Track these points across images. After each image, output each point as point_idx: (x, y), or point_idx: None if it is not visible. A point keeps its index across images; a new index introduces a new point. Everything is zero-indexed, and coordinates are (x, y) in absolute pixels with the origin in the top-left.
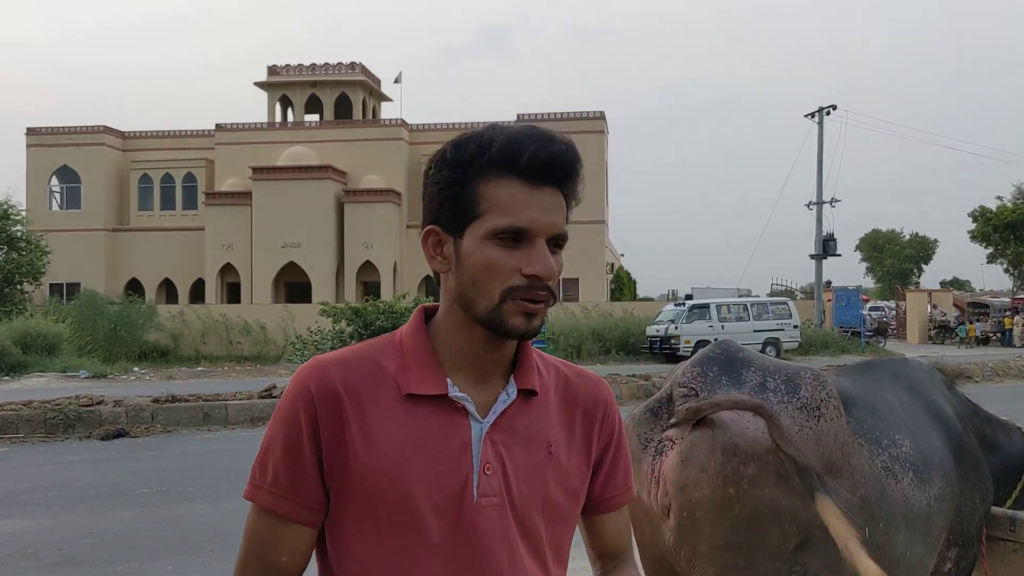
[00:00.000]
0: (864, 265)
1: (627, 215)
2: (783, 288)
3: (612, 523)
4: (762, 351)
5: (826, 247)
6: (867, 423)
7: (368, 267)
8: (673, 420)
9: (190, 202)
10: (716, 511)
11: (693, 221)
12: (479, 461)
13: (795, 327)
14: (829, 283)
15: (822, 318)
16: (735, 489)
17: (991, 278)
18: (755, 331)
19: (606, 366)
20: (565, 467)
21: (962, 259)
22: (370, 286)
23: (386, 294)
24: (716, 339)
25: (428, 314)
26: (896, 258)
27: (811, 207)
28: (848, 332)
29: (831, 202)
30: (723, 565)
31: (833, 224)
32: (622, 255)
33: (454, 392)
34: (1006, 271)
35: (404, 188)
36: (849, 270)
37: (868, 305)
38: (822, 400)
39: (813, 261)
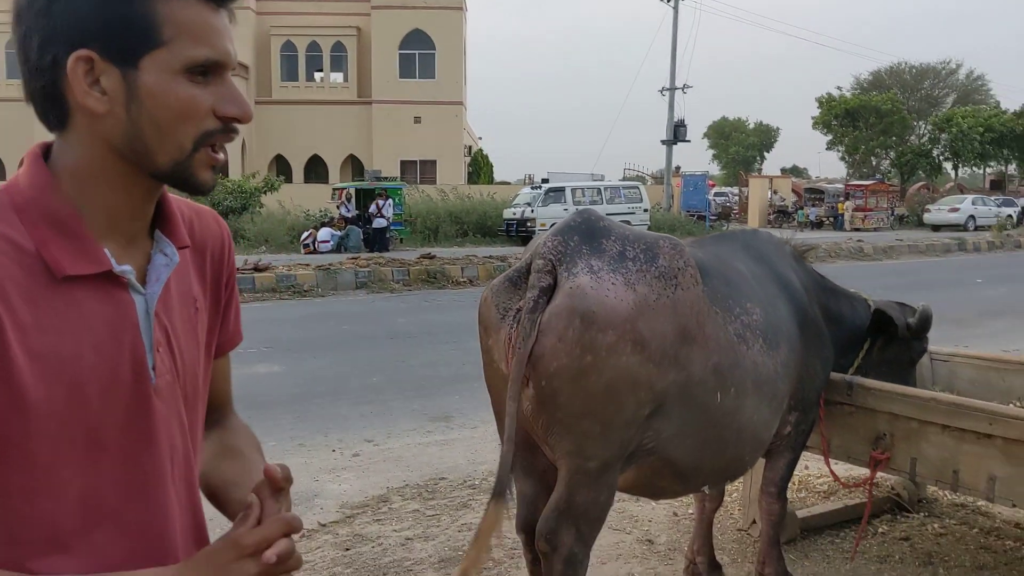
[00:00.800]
0: (711, 152)
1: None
2: (635, 173)
3: (223, 368)
4: None
5: (677, 133)
6: (720, 292)
7: None
8: (532, 290)
9: None
10: (573, 380)
11: (550, 94)
12: (150, 339)
13: (645, 211)
14: (678, 169)
15: (671, 203)
16: (592, 357)
17: (827, 166)
18: (607, 214)
19: (463, 248)
20: (206, 323)
21: (802, 147)
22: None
23: (234, 173)
24: None
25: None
26: (741, 145)
27: (664, 93)
28: (694, 216)
29: (683, 88)
30: (579, 433)
31: (684, 110)
32: (480, 138)
33: (118, 267)
34: (841, 158)
35: (251, 61)
36: (697, 156)
37: (713, 191)
38: (679, 269)
39: (664, 147)
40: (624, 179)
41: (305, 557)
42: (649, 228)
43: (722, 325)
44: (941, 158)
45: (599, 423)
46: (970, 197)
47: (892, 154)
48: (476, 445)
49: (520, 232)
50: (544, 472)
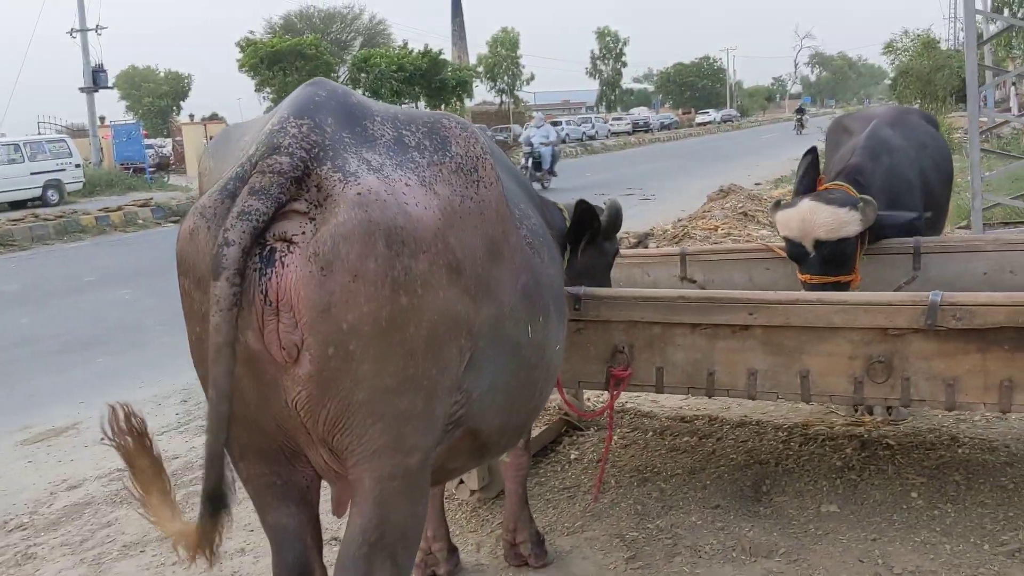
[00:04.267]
0: (124, 103)
1: None
2: (55, 127)
3: None
4: (43, 196)
5: (96, 79)
6: (507, 188)
7: None
8: (293, 205)
9: None
10: (383, 336)
11: None
12: None
13: (77, 166)
14: (103, 119)
15: (101, 156)
16: (407, 297)
17: (249, 110)
18: (32, 173)
19: None
20: None
21: (218, 93)
22: None
23: None
24: None
25: None
26: (153, 95)
27: (75, 35)
28: (131, 169)
29: (96, 29)
30: (395, 415)
31: (101, 55)
32: None
33: None
34: (273, 101)
35: None
36: (110, 107)
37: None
38: (477, 158)
39: (80, 98)
40: (41, 135)
41: None
42: (85, 185)
43: (518, 232)
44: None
45: (422, 394)
46: None
47: None
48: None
49: None
50: (306, 491)
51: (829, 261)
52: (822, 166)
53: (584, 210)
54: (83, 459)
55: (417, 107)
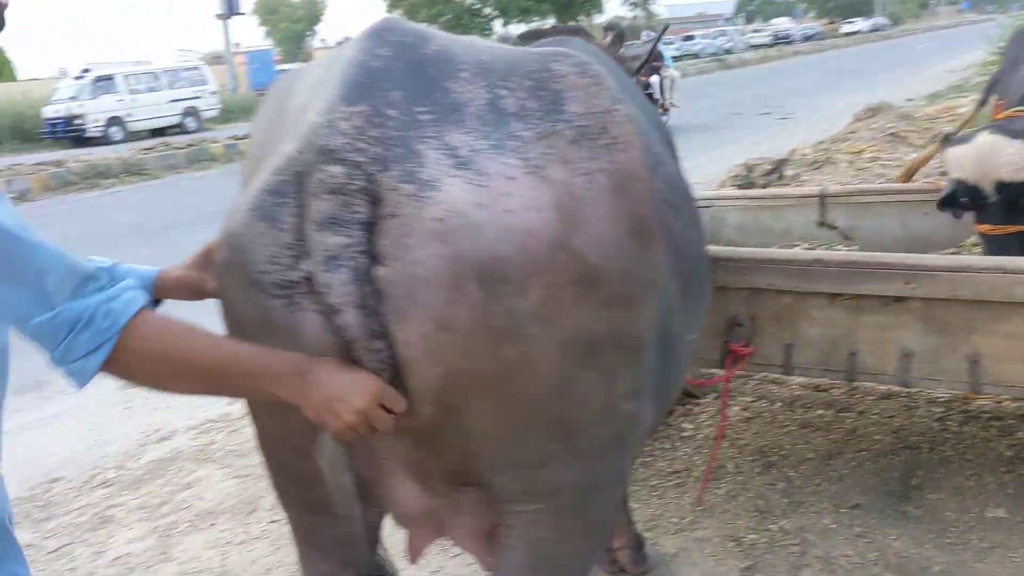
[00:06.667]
0: (263, 29)
1: None
2: (194, 56)
3: None
4: (181, 124)
5: (231, 5)
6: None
7: None
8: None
9: None
10: (486, 395)
11: None
12: None
13: (213, 93)
14: (238, 45)
15: (236, 83)
16: (514, 346)
17: None
18: (171, 101)
19: (3, 158)
20: None
21: (352, 16)
22: None
23: None
24: (129, 115)
25: None
26: (289, 20)
27: None
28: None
29: None
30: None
31: None
32: None
33: None
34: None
35: None
36: (249, 34)
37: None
38: (606, 112)
39: (216, 28)
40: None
41: None
42: (221, 112)
43: (658, 195)
44: (491, 17)
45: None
46: None
47: (445, 17)
48: (92, 417)
49: (69, 132)
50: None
51: (1015, 208)
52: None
53: None
54: (178, 406)
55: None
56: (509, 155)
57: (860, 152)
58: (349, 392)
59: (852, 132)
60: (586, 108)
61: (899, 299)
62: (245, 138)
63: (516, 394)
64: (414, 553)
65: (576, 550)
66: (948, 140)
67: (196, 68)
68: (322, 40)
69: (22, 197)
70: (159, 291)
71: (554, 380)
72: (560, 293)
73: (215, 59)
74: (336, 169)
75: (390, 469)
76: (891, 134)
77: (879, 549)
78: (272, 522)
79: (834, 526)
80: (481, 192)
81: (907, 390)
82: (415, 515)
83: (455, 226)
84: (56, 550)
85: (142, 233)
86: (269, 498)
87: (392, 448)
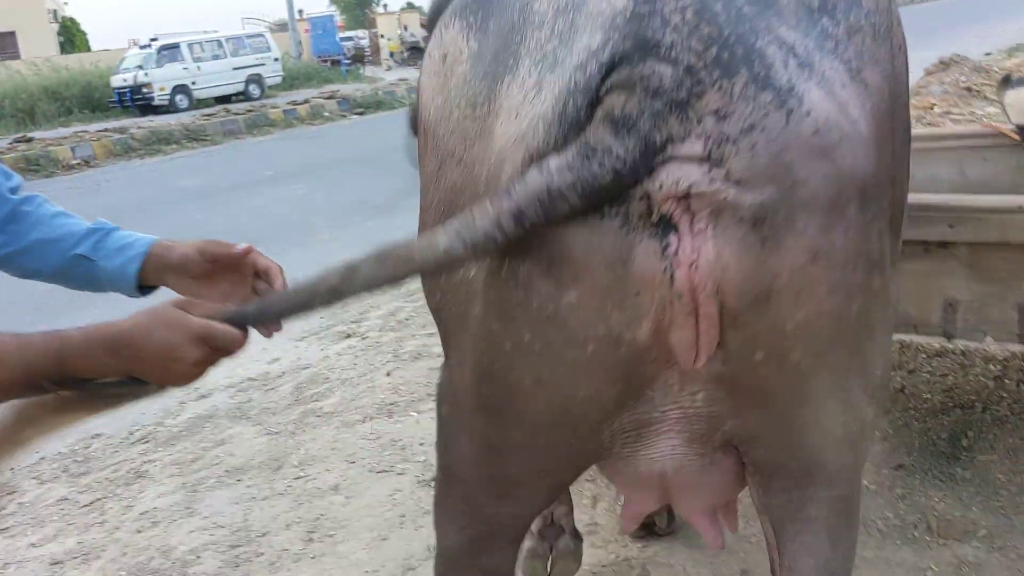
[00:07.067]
0: None
1: None
2: (260, 23)
3: None
4: (245, 91)
5: None
6: None
7: None
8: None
9: None
10: (845, 339)
11: None
12: None
13: (276, 60)
14: (301, 12)
15: (300, 49)
16: (882, 277)
17: None
18: (235, 68)
19: (70, 127)
20: None
21: None
22: None
23: None
24: (194, 83)
25: None
26: None
27: None
28: (328, 61)
29: None
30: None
31: None
32: (66, 3)
33: None
34: None
35: None
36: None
37: (340, 35)
38: (891, 10)
39: None
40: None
41: None
42: (284, 79)
43: None
44: None
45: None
46: None
47: None
48: None
49: (137, 100)
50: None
51: None
52: None
53: None
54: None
55: None
56: (833, 59)
57: (930, 108)
58: (180, 348)
59: (923, 86)
60: (875, 4)
61: (943, 244)
62: (304, 103)
63: (867, 338)
64: (630, 521)
65: (853, 548)
66: (1007, 81)
67: (260, 35)
68: (384, 6)
69: (87, 163)
70: (156, 268)
71: (887, 323)
72: (883, 213)
73: (280, 27)
74: (663, 69)
75: (660, 419)
76: (964, 88)
77: (920, 511)
78: (297, 478)
79: (874, 487)
80: (836, 100)
81: (961, 347)
82: (653, 475)
83: (835, 140)
84: (89, 504)
85: (200, 196)
86: (296, 455)
87: (678, 401)
